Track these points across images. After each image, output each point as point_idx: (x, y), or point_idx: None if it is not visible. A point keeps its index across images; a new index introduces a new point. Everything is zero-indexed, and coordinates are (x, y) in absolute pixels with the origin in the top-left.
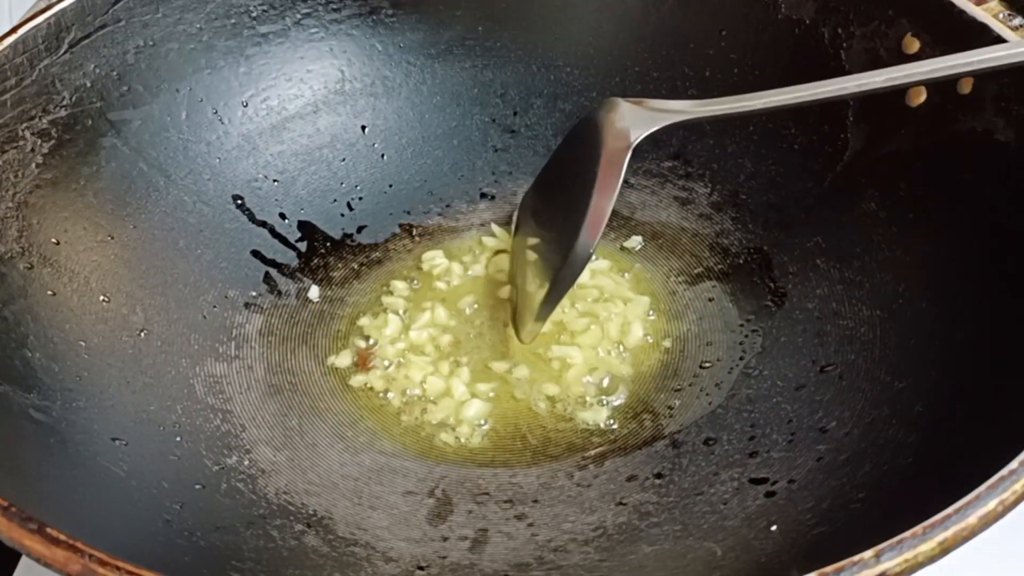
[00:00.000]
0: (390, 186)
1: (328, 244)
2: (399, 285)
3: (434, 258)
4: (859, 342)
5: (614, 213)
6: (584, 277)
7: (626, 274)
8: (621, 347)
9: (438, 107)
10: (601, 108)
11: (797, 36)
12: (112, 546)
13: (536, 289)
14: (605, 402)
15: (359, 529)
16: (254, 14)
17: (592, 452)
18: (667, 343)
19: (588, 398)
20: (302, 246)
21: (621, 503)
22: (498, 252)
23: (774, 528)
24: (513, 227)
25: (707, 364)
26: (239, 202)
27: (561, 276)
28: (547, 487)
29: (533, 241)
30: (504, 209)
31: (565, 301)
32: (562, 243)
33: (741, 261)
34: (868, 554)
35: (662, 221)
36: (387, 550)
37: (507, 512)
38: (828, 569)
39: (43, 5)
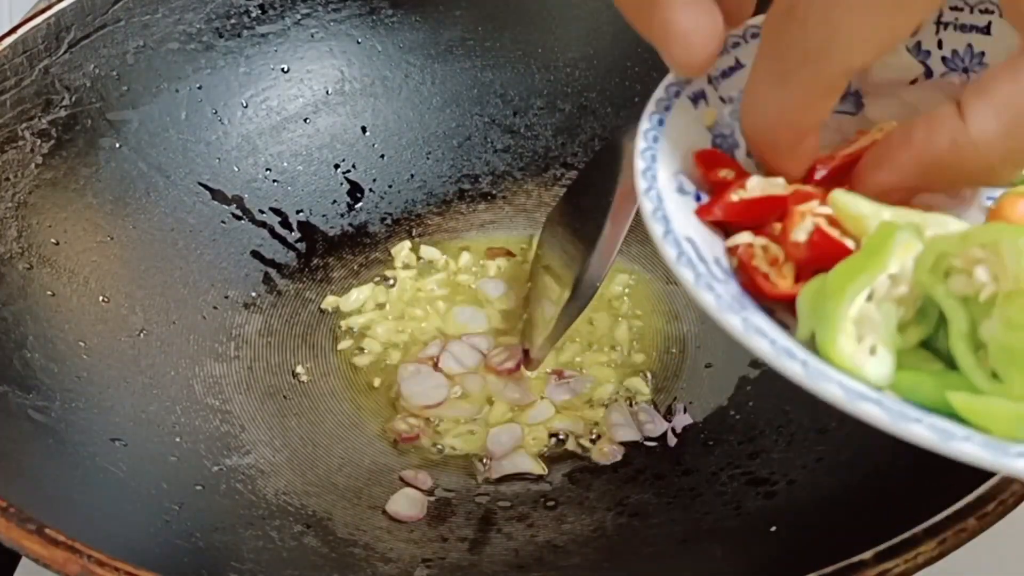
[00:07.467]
0: (390, 186)
1: (328, 244)
2: (399, 284)
3: (435, 259)
4: None
5: None
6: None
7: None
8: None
9: (438, 107)
10: (626, 133)
11: None
12: (111, 547)
13: (546, 318)
14: (604, 403)
15: (358, 530)
16: (254, 14)
17: (592, 453)
18: (667, 344)
19: (588, 399)
20: (302, 246)
21: (621, 504)
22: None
23: (774, 528)
24: (535, 244)
25: (707, 365)
26: (239, 202)
27: (567, 308)
28: (546, 488)
29: (548, 264)
30: (504, 210)
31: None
32: (572, 272)
33: None
34: (868, 555)
35: None
36: (386, 551)
37: (506, 513)
38: (828, 570)
39: (43, 5)
